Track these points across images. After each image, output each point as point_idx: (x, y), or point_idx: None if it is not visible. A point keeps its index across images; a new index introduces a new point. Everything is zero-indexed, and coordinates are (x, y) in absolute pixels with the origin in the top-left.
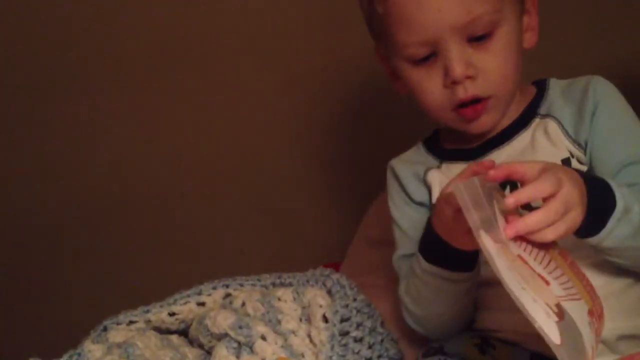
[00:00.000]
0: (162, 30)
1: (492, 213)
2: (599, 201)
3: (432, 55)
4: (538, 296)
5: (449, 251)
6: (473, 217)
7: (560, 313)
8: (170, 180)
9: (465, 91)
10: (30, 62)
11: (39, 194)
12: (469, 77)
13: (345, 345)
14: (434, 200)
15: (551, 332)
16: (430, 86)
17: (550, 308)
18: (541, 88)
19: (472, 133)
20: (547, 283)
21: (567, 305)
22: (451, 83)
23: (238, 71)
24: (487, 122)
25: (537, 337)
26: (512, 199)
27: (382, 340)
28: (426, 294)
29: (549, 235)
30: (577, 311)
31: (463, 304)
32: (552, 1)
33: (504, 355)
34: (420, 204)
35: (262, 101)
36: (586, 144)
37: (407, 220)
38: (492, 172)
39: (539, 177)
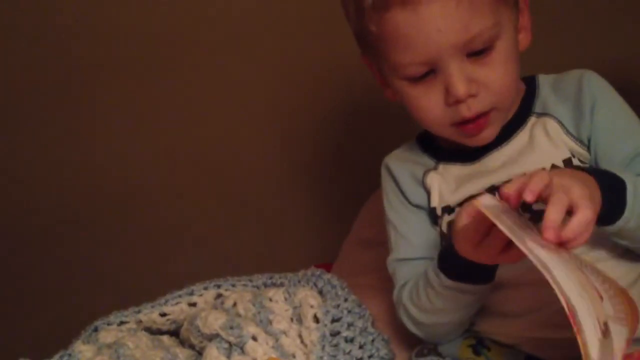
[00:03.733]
0: (154, 32)
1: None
2: (611, 191)
3: (430, 72)
4: (593, 307)
5: (476, 268)
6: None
7: (607, 331)
8: (162, 182)
9: (469, 109)
10: (26, 62)
11: (29, 193)
12: (471, 95)
13: (336, 345)
14: (432, 204)
15: (593, 345)
16: (429, 104)
17: (599, 323)
18: (531, 85)
19: (473, 146)
20: (601, 298)
21: (613, 327)
22: (454, 102)
23: (228, 74)
24: (489, 135)
25: (533, 340)
26: (552, 232)
27: (373, 340)
28: (441, 305)
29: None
30: (619, 336)
31: (474, 310)
32: (548, 1)
33: (498, 357)
34: (418, 206)
35: (253, 102)
36: (589, 141)
37: (405, 223)
38: (511, 201)
39: (550, 192)
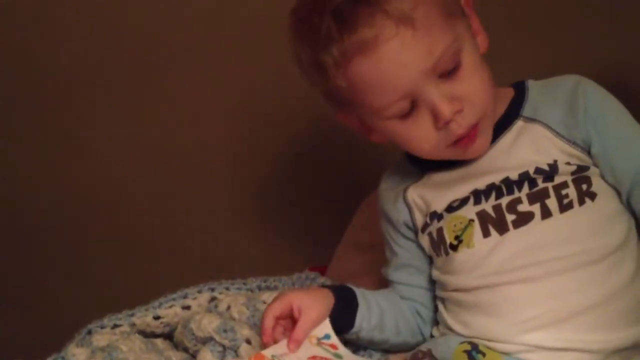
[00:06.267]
0: (147, 33)
1: None
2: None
3: (412, 104)
4: None
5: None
6: None
7: None
8: (156, 184)
9: (459, 126)
10: (21, 64)
11: (22, 195)
12: (457, 112)
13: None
14: (419, 214)
15: None
16: (421, 134)
17: None
18: (520, 90)
19: (471, 158)
20: None
21: None
22: (443, 125)
23: (224, 73)
24: (483, 143)
25: (529, 348)
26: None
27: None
28: None
29: None
30: None
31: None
32: (548, 5)
33: None
34: (405, 224)
35: (248, 104)
36: (588, 145)
37: (395, 245)
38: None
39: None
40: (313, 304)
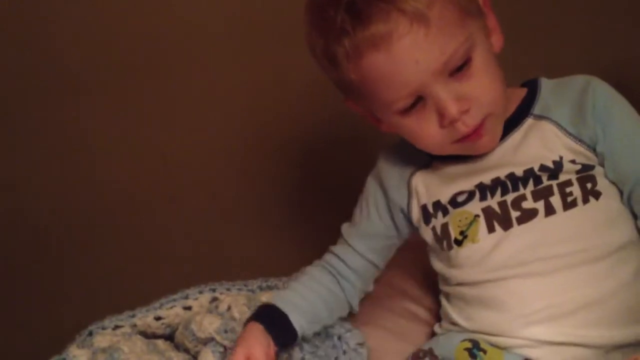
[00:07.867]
0: (146, 37)
1: None
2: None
3: (419, 100)
4: None
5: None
6: None
7: None
8: (157, 185)
9: (465, 125)
10: (21, 68)
11: (24, 197)
12: (464, 112)
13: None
14: (421, 202)
15: None
16: (426, 130)
17: None
18: (532, 88)
19: (479, 153)
20: None
21: None
22: (449, 123)
23: (221, 76)
24: (490, 141)
25: (531, 342)
26: None
27: (340, 337)
28: None
29: None
30: None
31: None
32: (550, 4)
33: None
34: (400, 207)
35: (249, 106)
36: (594, 144)
37: (374, 212)
38: None
39: None
40: (251, 344)
